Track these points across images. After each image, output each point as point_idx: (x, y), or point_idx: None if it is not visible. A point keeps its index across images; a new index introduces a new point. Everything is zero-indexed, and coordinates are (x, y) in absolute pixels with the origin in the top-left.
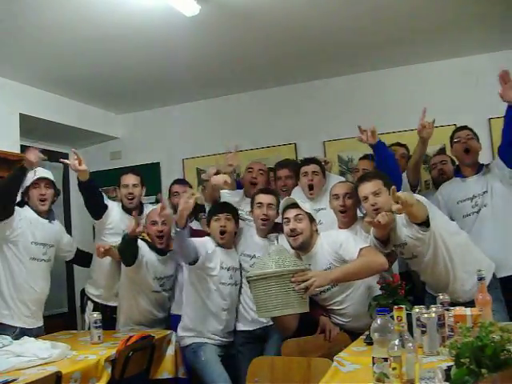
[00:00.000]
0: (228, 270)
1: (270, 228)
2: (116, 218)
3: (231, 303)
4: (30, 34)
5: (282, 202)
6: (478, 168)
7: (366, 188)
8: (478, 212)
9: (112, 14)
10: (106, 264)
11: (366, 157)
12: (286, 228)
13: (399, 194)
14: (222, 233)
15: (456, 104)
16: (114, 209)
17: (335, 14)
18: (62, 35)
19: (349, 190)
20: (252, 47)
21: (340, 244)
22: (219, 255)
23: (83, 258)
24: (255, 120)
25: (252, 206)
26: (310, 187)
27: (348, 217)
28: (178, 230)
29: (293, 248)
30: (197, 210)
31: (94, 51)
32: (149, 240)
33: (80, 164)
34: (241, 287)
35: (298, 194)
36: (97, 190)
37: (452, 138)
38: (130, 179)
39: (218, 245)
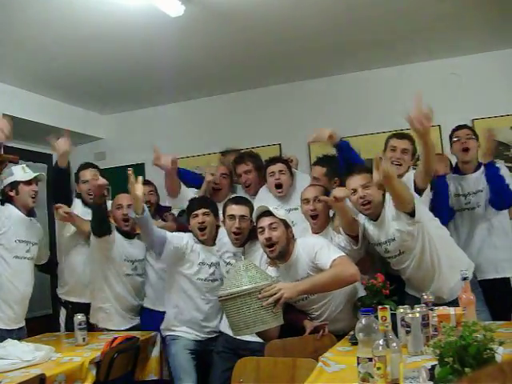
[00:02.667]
0: (210, 266)
1: (245, 237)
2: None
3: (210, 297)
4: (12, 34)
5: (255, 210)
6: (477, 166)
7: (355, 181)
8: (469, 209)
9: (96, 14)
10: (75, 261)
11: (318, 162)
12: (261, 237)
13: (383, 163)
14: (201, 229)
15: (440, 105)
16: (76, 206)
17: (319, 16)
18: (44, 35)
19: (318, 193)
20: (236, 48)
21: (315, 253)
22: (199, 252)
23: (53, 266)
24: (240, 121)
25: (223, 215)
26: (278, 186)
27: (320, 221)
28: (138, 216)
29: (270, 258)
30: (161, 209)
31: (78, 51)
32: (115, 224)
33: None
34: None
35: (265, 194)
36: (69, 182)
37: (451, 136)
38: (90, 174)
39: (200, 241)
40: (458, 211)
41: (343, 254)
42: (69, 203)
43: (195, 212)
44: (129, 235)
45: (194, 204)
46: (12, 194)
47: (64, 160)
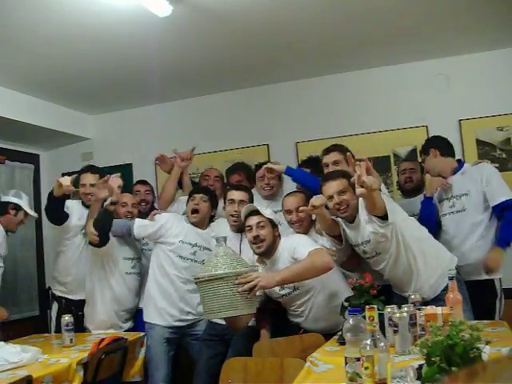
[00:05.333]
0: (193, 246)
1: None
2: (75, 220)
3: (189, 277)
4: None
5: (243, 210)
6: (456, 169)
7: (331, 187)
8: (454, 213)
9: (83, 14)
10: (71, 260)
11: (303, 164)
12: (249, 235)
13: (364, 178)
14: (194, 211)
15: (427, 106)
16: (74, 211)
17: (308, 17)
18: (31, 34)
19: (300, 202)
20: (225, 48)
21: (293, 248)
22: (184, 230)
23: None
24: (228, 121)
25: (224, 202)
26: (267, 189)
27: (303, 228)
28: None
29: (256, 254)
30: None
31: (65, 51)
32: None
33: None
34: None
35: (254, 198)
36: (63, 207)
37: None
38: (88, 178)
39: (190, 223)
40: (444, 216)
41: (319, 246)
42: (62, 220)
43: (194, 195)
44: None
45: (195, 189)
46: (11, 213)
47: (60, 192)
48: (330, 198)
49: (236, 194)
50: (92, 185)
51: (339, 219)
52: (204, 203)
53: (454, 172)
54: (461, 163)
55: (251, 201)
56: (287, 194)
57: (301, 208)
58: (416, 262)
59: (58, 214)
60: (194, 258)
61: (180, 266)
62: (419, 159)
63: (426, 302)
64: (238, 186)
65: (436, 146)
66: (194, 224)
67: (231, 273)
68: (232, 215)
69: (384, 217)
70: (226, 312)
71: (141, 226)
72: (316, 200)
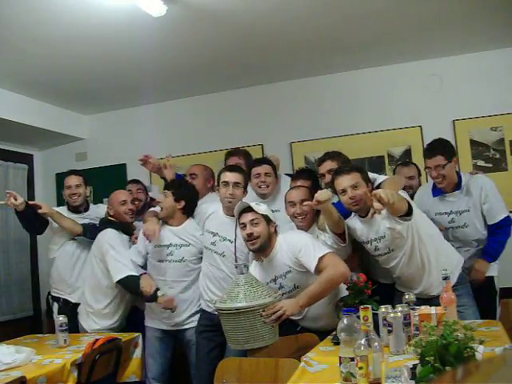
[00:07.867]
0: (168, 247)
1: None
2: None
3: (174, 278)
4: None
5: (237, 207)
6: (458, 184)
7: (344, 181)
8: (454, 228)
9: (77, 14)
10: (63, 265)
11: (301, 175)
12: (243, 233)
13: (380, 192)
14: (161, 208)
15: (421, 106)
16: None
17: (302, 16)
18: (24, 34)
19: (304, 195)
20: (219, 48)
21: (299, 249)
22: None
23: None
24: (222, 121)
25: (218, 184)
26: (263, 187)
27: (306, 221)
28: None
29: (251, 251)
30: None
31: (60, 51)
32: (114, 221)
33: (16, 199)
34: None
35: (249, 195)
36: (34, 216)
37: (424, 157)
38: (72, 180)
39: (164, 222)
40: (446, 229)
41: (328, 250)
42: (44, 227)
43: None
44: (127, 232)
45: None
46: None
47: (20, 207)
48: (343, 191)
49: (230, 176)
50: (77, 185)
51: (348, 218)
52: (167, 198)
53: (457, 187)
54: (459, 176)
55: (246, 183)
56: (291, 188)
57: (305, 202)
58: (429, 260)
59: (31, 226)
60: (172, 259)
61: (160, 269)
62: (412, 159)
63: (433, 298)
64: (231, 167)
65: (455, 155)
66: (167, 223)
67: (256, 305)
68: (227, 197)
69: (404, 214)
70: (253, 344)
71: (137, 254)
72: (321, 195)
